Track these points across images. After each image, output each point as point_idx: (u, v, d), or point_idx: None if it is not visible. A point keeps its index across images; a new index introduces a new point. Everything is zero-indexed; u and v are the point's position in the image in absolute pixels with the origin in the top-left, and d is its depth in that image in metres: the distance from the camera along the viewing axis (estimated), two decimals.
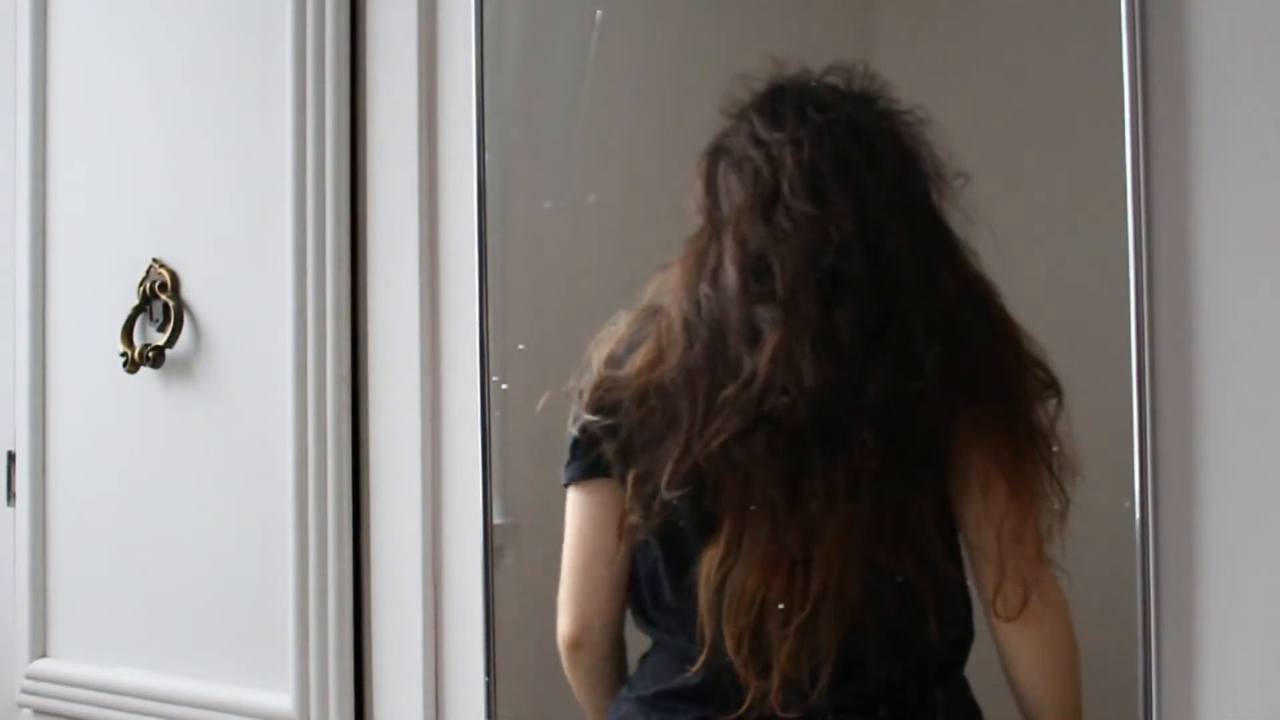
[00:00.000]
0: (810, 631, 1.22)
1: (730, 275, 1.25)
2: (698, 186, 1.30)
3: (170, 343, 1.92)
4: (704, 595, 1.25)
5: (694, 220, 1.30)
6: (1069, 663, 1.27)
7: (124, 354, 1.94)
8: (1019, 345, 1.26)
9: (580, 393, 1.32)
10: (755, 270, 1.24)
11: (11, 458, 2.15)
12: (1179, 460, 1.22)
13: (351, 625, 1.74)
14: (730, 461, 1.22)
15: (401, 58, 1.70)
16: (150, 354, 1.92)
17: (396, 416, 1.71)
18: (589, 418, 1.31)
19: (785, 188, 1.24)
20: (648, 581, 1.34)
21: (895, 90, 1.29)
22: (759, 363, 1.22)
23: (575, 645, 1.38)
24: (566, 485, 1.37)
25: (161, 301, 1.94)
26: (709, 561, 1.25)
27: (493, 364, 1.59)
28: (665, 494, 1.25)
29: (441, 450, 1.67)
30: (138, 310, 1.96)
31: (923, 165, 1.27)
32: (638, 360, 1.28)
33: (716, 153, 1.30)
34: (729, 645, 1.24)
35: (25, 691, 2.09)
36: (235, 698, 1.84)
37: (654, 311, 1.31)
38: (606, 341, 1.33)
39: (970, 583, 1.27)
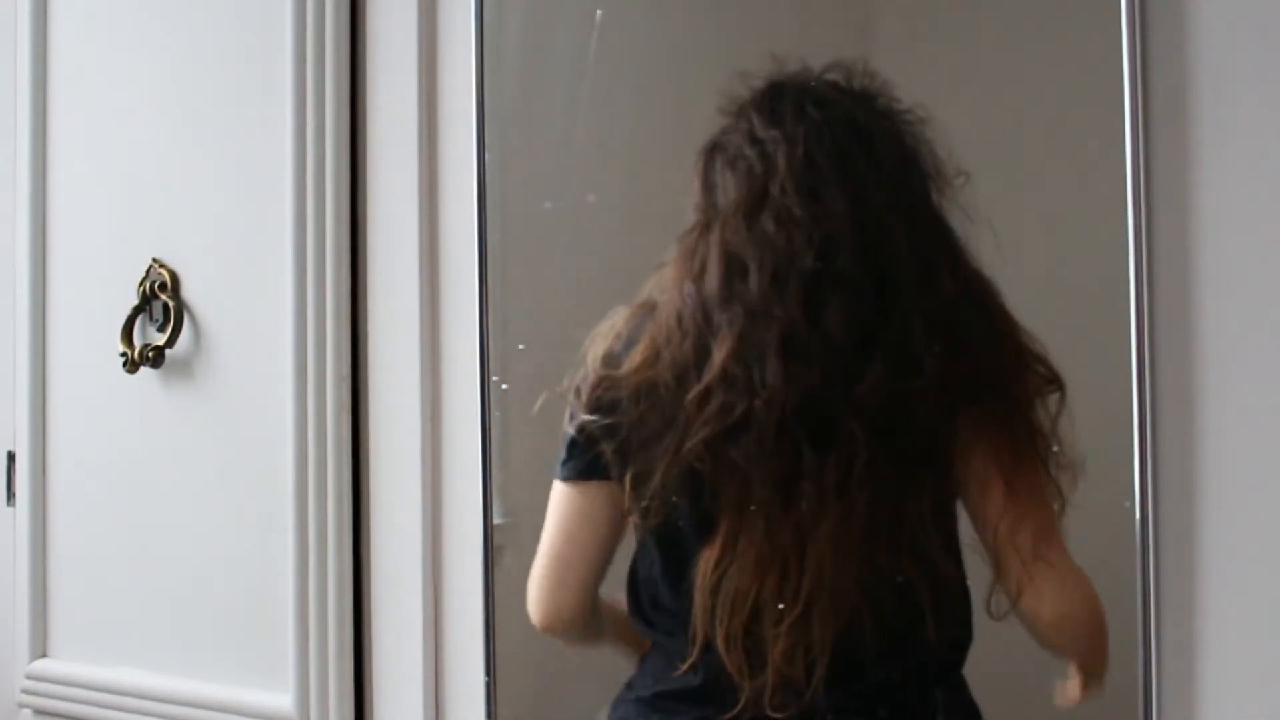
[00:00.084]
0: (804, 629, 1.22)
1: (712, 274, 1.25)
2: (695, 185, 1.30)
3: (170, 343, 1.92)
4: (700, 595, 1.25)
5: (690, 218, 1.31)
6: (1087, 634, 1.27)
7: (124, 354, 1.94)
8: (1019, 343, 1.26)
9: (578, 392, 1.32)
10: (737, 270, 1.24)
11: (11, 458, 2.15)
12: (1179, 460, 1.22)
13: (351, 625, 1.74)
14: (724, 461, 1.23)
15: (401, 58, 1.70)
16: (150, 354, 1.92)
17: (396, 416, 1.71)
18: (587, 418, 1.31)
19: (775, 187, 1.24)
20: (646, 583, 1.34)
21: (895, 89, 1.29)
22: (714, 363, 1.22)
23: (547, 630, 1.40)
24: (561, 481, 1.37)
25: (161, 301, 1.94)
26: (705, 562, 1.25)
27: (493, 364, 1.59)
28: (663, 493, 1.25)
29: (441, 450, 1.67)
30: (138, 310, 1.96)
31: (923, 164, 1.27)
32: (635, 358, 1.28)
33: (714, 150, 1.30)
34: (720, 644, 1.24)
35: (25, 691, 2.09)
36: (235, 698, 1.84)
37: (650, 308, 1.31)
38: (603, 338, 1.33)
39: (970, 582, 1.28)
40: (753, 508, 1.23)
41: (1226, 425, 1.20)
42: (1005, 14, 1.40)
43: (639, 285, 1.36)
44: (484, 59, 1.61)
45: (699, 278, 1.26)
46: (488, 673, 1.60)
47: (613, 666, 1.44)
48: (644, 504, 1.27)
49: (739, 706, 1.24)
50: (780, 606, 1.22)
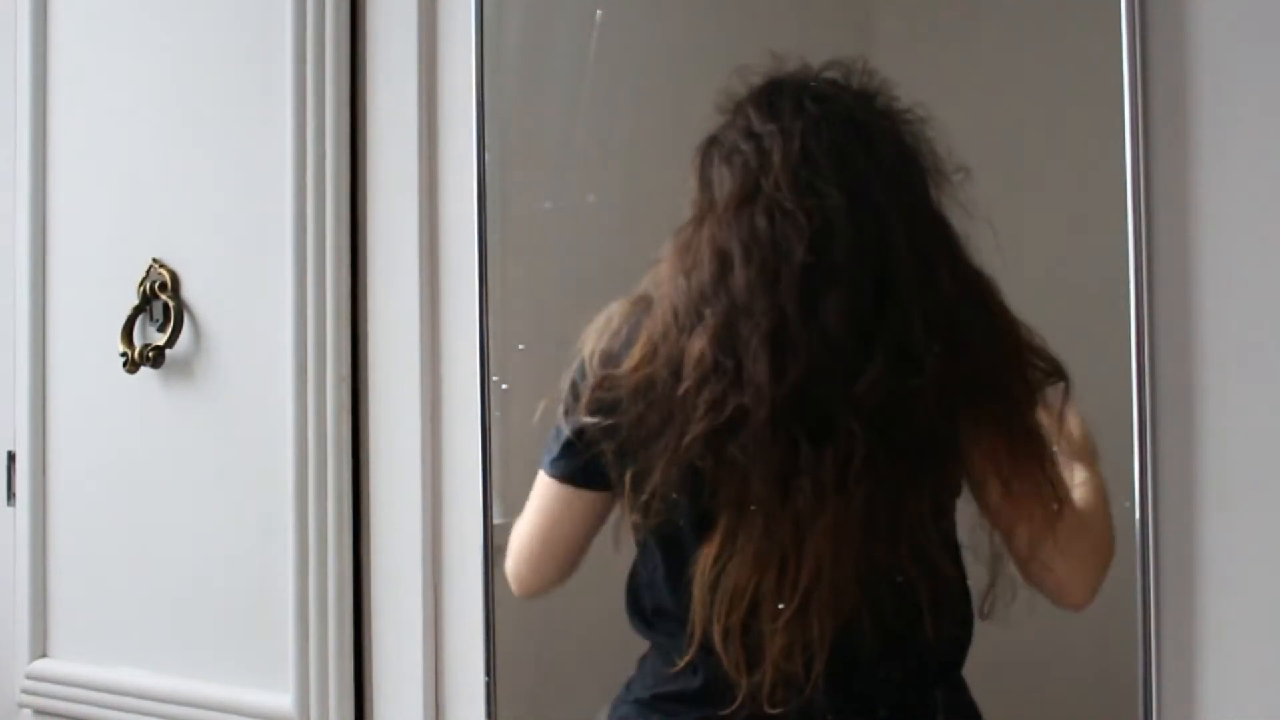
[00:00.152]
0: (801, 625, 1.22)
1: (705, 269, 1.25)
2: (691, 181, 1.30)
3: (170, 343, 1.92)
4: (698, 590, 1.25)
5: (686, 214, 1.31)
6: (1097, 576, 1.27)
7: (124, 354, 1.94)
8: (1018, 342, 1.26)
9: (575, 390, 1.32)
10: (728, 263, 1.24)
11: (11, 458, 2.15)
12: (1179, 460, 1.22)
13: (351, 625, 1.74)
14: (724, 457, 1.22)
15: (401, 58, 1.70)
16: (150, 354, 1.92)
17: (396, 416, 1.71)
18: (588, 420, 1.30)
19: (768, 181, 1.24)
20: (648, 587, 1.34)
21: (895, 88, 1.28)
22: (692, 355, 1.23)
23: (523, 597, 1.43)
24: (550, 477, 1.37)
25: (161, 301, 1.94)
26: (704, 558, 1.25)
27: (493, 364, 1.59)
28: (663, 490, 1.25)
29: (441, 450, 1.67)
30: (138, 310, 1.96)
31: (922, 161, 1.27)
32: (634, 355, 1.27)
33: (710, 146, 1.30)
34: (718, 640, 1.24)
35: (25, 691, 2.09)
36: (235, 698, 1.84)
37: (646, 303, 1.30)
38: (598, 333, 1.32)
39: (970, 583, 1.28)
40: (751, 504, 1.23)
41: (1226, 425, 1.20)
42: (1005, 14, 1.40)
43: (638, 284, 1.36)
44: (484, 59, 1.61)
45: (692, 272, 1.26)
46: (488, 673, 1.60)
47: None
48: (645, 501, 1.27)
49: (736, 703, 1.24)
50: (779, 603, 1.22)
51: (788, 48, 1.33)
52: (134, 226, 1.99)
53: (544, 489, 1.37)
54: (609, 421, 1.28)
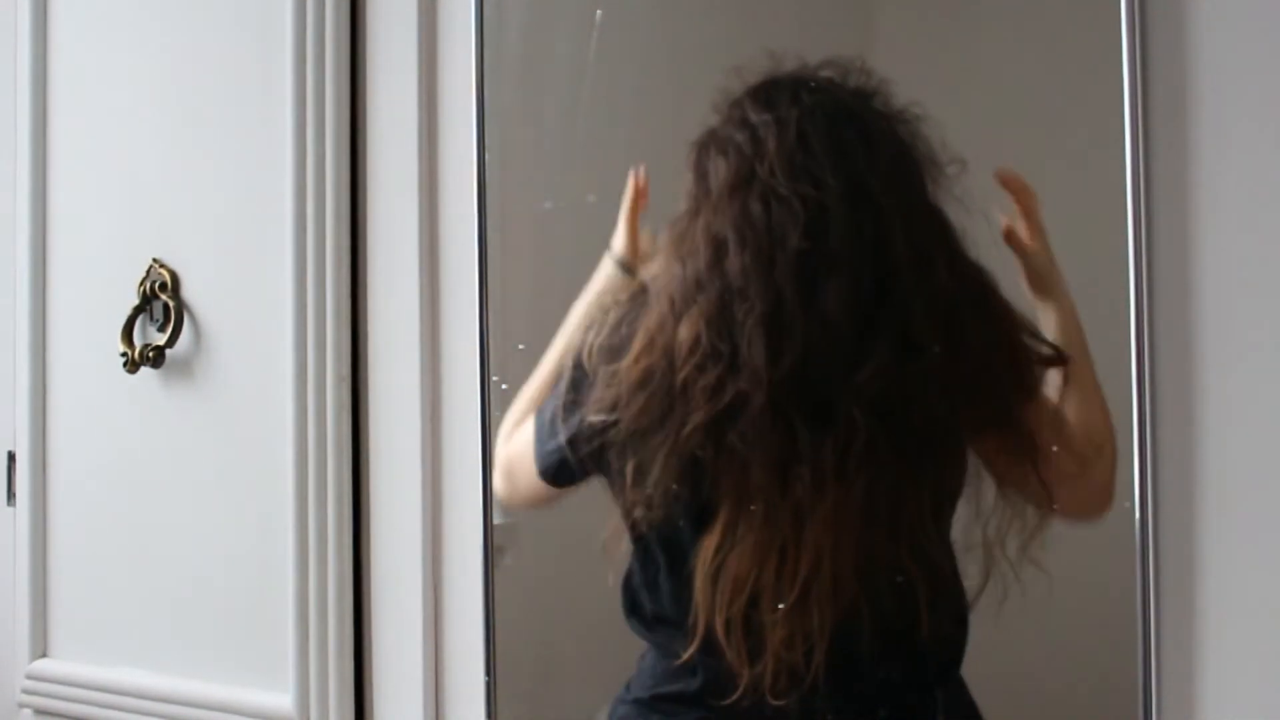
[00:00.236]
0: (802, 615, 1.22)
1: (700, 256, 1.25)
2: (687, 176, 1.31)
3: (170, 343, 1.92)
4: (699, 582, 1.25)
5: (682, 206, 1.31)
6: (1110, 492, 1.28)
7: (124, 354, 1.94)
8: (1017, 339, 1.26)
9: (578, 393, 1.32)
10: (723, 250, 1.24)
11: (11, 458, 2.15)
12: (1179, 460, 1.22)
13: (351, 625, 1.74)
14: (724, 447, 1.23)
15: (401, 58, 1.70)
16: (150, 354, 1.92)
17: (396, 416, 1.71)
18: (594, 419, 1.30)
19: (763, 168, 1.24)
20: (647, 585, 1.34)
21: (894, 86, 1.29)
22: (684, 340, 1.23)
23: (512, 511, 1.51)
24: (541, 474, 1.40)
25: (161, 301, 1.94)
26: (705, 550, 1.25)
27: (493, 364, 1.59)
28: (664, 482, 1.25)
29: (441, 450, 1.67)
30: (138, 310, 1.96)
31: (918, 156, 1.27)
32: (634, 349, 1.27)
33: (707, 140, 1.31)
34: (720, 631, 1.24)
35: (25, 691, 2.09)
36: (235, 698, 1.84)
37: (644, 294, 1.31)
38: (595, 329, 1.33)
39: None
40: (751, 494, 1.23)
41: (1226, 425, 1.20)
42: (1005, 14, 1.40)
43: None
44: (484, 59, 1.61)
45: (687, 260, 1.26)
46: (488, 673, 1.60)
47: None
48: (647, 495, 1.27)
49: (738, 693, 1.24)
50: (779, 593, 1.22)
51: (788, 47, 1.33)
52: (134, 226, 1.99)
53: (536, 447, 1.40)
54: (611, 418, 1.28)
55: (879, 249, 1.22)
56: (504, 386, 1.59)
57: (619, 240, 1.45)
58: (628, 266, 1.43)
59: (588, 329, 1.33)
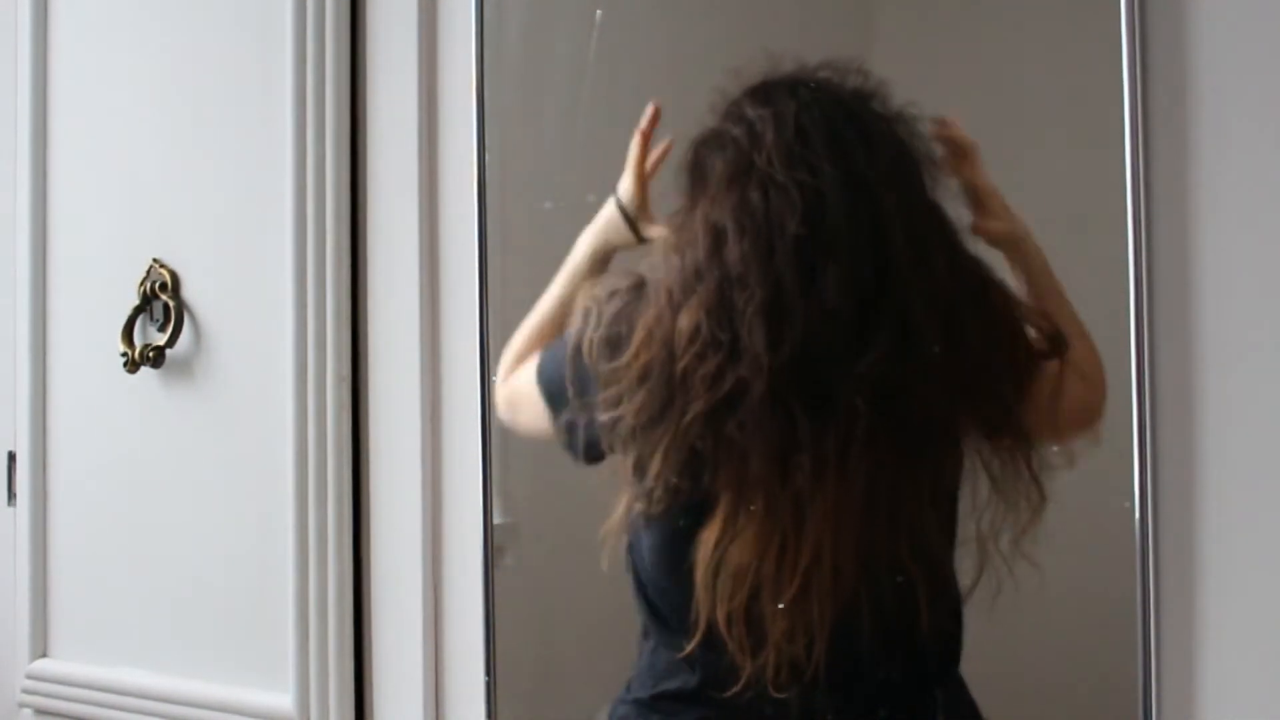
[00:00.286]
0: (803, 608, 1.22)
1: (699, 246, 1.25)
2: (683, 176, 1.31)
3: (170, 343, 1.92)
4: (700, 575, 1.25)
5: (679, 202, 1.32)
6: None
7: (124, 354, 1.94)
8: (1017, 336, 1.26)
9: (583, 388, 1.33)
10: (722, 239, 1.24)
11: (11, 458, 2.15)
12: (1179, 460, 1.22)
13: (351, 625, 1.74)
14: (723, 437, 1.23)
15: (401, 58, 1.70)
16: (150, 354, 1.92)
17: (396, 416, 1.71)
18: (603, 419, 1.30)
19: (761, 158, 1.24)
20: (649, 576, 1.34)
21: (894, 86, 1.29)
22: (685, 328, 1.23)
23: None
24: (564, 447, 1.39)
25: (161, 301, 1.94)
26: (705, 544, 1.25)
27: (493, 364, 1.59)
28: (664, 474, 1.25)
29: (441, 450, 1.67)
30: (138, 310, 1.96)
31: (916, 153, 1.27)
32: (634, 342, 1.28)
33: (704, 138, 1.31)
34: (721, 623, 1.24)
35: (25, 691, 2.09)
36: (235, 698, 1.84)
37: (641, 286, 1.31)
38: (595, 320, 1.33)
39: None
40: (752, 485, 1.23)
41: (1226, 425, 1.20)
42: (1005, 14, 1.40)
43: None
44: (484, 59, 1.61)
45: (685, 250, 1.27)
46: (488, 673, 1.60)
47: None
48: (648, 489, 1.27)
49: (739, 685, 1.24)
50: (779, 585, 1.23)
51: (788, 48, 1.33)
52: (134, 226, 1.99)
53: (529, 402, 1.42)
54: (616, 414, 1.28)
55: (877, 240, 1.22)
56: None
57: (625, 184, 1.43)
58: (631, 215, 1.42)
59: (585, 318, 1.33)
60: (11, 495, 2.15)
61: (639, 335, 1.27)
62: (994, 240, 1.29)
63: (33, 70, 2.10)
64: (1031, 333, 1.27)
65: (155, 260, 1.95)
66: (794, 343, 1.20)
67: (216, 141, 1.90)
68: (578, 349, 1.32)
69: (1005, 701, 1.31)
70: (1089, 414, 1.28)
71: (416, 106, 1.68)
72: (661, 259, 1.29)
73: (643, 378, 1.26)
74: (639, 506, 1.29)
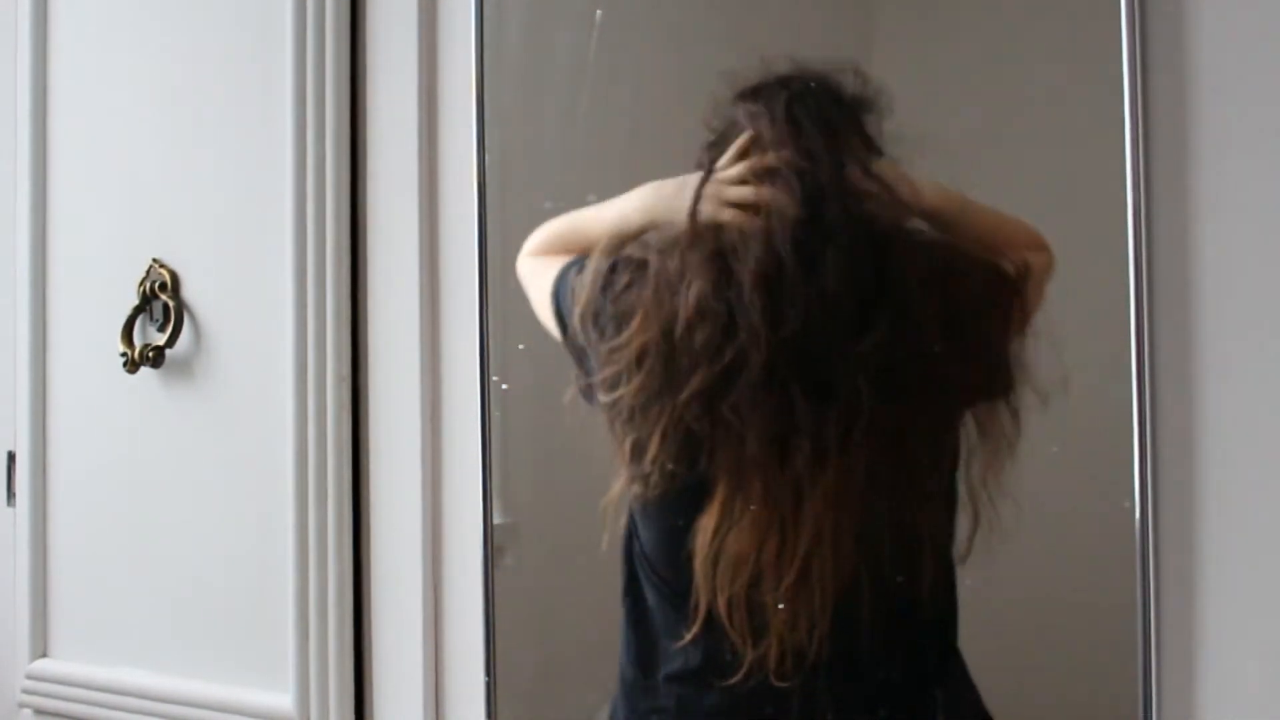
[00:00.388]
0: (804, 593, 1.23)
1: (703, 234, 1.27)
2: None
3: (170, 343, 1.92)
4: (699, 564, 1.26)
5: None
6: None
7: (124, 354, 1.94)
8: (1010, 298, 1.27)
9: (583, 353, 1.34)
10: (723, 226, 1.25)
11: (11, 458, 2.15)
12: (1179, 460, 1.22)
13: (351, 625, 1.74)
14: (720, 419, 1.23)
15: (401, 58, 1.70)
16: (150, 354, 1.92)
17: (396, 416, 1.71)
18: (604, 400, 1.31)
19: (757, 148, 1.26)
20: (647, 564, 1.35)
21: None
22: (689, 300, 1.24)
23: None
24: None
25: (161, 301, 1.94)
26: (704, 532, 1.26)
27: (493, 364, 1.59)
28: (661, 456, 1.26)
29: (441, 450, 1.67)
30: (138, 310, 1.96)
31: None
32: (634, 322, 1.28)
33: (706, 145, 1.34)
34: (722, 611, 1.24)
35: (25, 691, 2.09)
36: (235, 698, 1.84)
37: (644, 266, 1.32)
38: (590, 296, 1.34)
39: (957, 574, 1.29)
40: (748, 470, 1.23)
41: (1226, 425, 1.20)
42: (1005, 14, 1.40)
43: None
44: (484, 59, 1.61)
45: (685, 236, 1.29)
46: (488, 673, 1.60)
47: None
48: (644, 474, 1.27)
49: (742, 672, 1.25)
50: (780, 571, 1.23)
51: (788, 48, 1.33)
52: (134, 226, 1.99)
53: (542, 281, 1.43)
54: (615, 395, 1.29)
55: (871, 227, 1.23)
56: (504, 386, 1.59)
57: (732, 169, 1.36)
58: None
59: (594, 282, 1.34)
60: (11, 495, 2.15)
61: (638, 317, 1.28)
62: (933, 213, 1.29)
63: (33, 70, 2.10)
64: (1007, 268, 1.28)
65: (155, 260, 1.95)
66: (794, 322, 1.22)
67: (216, 141, 1.90)
68: (572, 328, 1.34)
69: (1005, 702, 1.31)
70: (1048, 272, 1.27)
71: (416, 106, 1.68)
72: (663, 242, 1.30)
73: (640, 358, 1.27)
74: (636, 489, 1.30)
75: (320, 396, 1.73)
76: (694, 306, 1.24)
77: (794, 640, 1.23)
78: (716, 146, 1.32)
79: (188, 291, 1.93)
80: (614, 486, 1.34)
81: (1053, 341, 1.27)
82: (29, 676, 2.09)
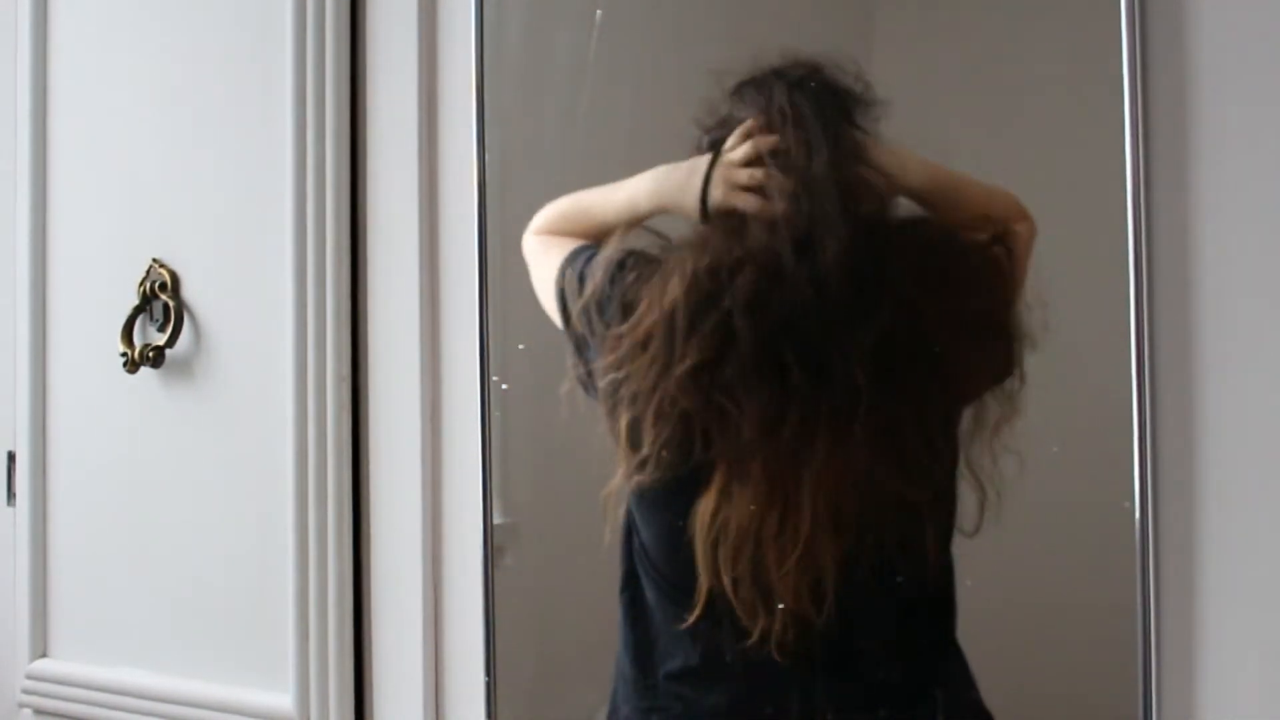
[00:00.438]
0: (809, 567, 1.23)
1: (705, 224, 1.28)
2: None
3: (170, 343, 1.92)
4: (700, 548, 1.26)
5: None
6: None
7: (124, 354, 1.94)
8: (1007, 276, 1.27)
9: (582, 344, 1.34)
10: (721, 216, 1.27)
11: (11, 458, 2.15)
12: (1179, 460, 1.22)
13: (351, 625, 1.74)
14: (713, 401, 1.24)
15: (401, 58, 1.70)
16: (150, 354, 1.92)
17: (396, 416, 1.71)
18: (602, 385, 1.32)
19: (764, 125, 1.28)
20: (646, 554, 1.35)
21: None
22: (688, 272, 1.25)
23: None
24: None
25: (161, 301, 1.94)
26: (702, 516, 1.26)
27: (493, 364, 1.59)
28: (655, 439, 1.27)
29: (441, 450, 1.67)
30: (138, 310, 1.96)
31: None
32: (639, 311, 1.30)
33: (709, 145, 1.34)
34: (729, 589, 1.25)
35: (25, 691, 2.09)
36: (235, 698, 1.84)
37: (653, 259, 1.33)
38: (595, 289, 1.34)
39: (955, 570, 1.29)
40: (746, 447, 1.24)
41: (1226, 425, 1.20)
42: (1005, 14, 1.40)
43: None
44: (484, 59, 1.61)
45: (685, 230, 1.31)
46: (488, 673, 1.60)
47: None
48: (641, 459, 1.28)
49: (755, 638, 1.25)
50: (781, 548, 1.23)
51: (788, 47, 1.34)
52: (134, 226, 1.99)
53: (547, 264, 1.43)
54: (616, 376, 1.30)
55: (868, 216, 1.25)
56: (504, 386, 1.59)
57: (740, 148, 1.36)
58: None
59: (606, 271, 1.35)
60: (11, 495, 2.15)
61: (644, 303, 1.29)
62: (927, 193, 1.30)
63: (33, 70, 2.10)
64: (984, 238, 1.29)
65: (155, 260, 1.95)
66: (788, 304, 1.22)
67: (216, 141, 1.90)
68: (571, 320, 1.34)
69: (1005, 701, 1.31)
70: (1033, 240, 1.28)
71: (416, 106, 1.68)
72: (673, 233, 1.32)
73: (646, 341, 1.28)
74: (635, 478, 1.30)
75: (320, 396, 1.73)
76: (690, 284, 1.25)
77: (800, 611, 1.24)
78: (717, 131, 1.33)
79: (188, 291, 1.93)
80: (614, 477, 1.34)
81: (1053, 341, 1.27)
82: (29, 676, 2.09)
